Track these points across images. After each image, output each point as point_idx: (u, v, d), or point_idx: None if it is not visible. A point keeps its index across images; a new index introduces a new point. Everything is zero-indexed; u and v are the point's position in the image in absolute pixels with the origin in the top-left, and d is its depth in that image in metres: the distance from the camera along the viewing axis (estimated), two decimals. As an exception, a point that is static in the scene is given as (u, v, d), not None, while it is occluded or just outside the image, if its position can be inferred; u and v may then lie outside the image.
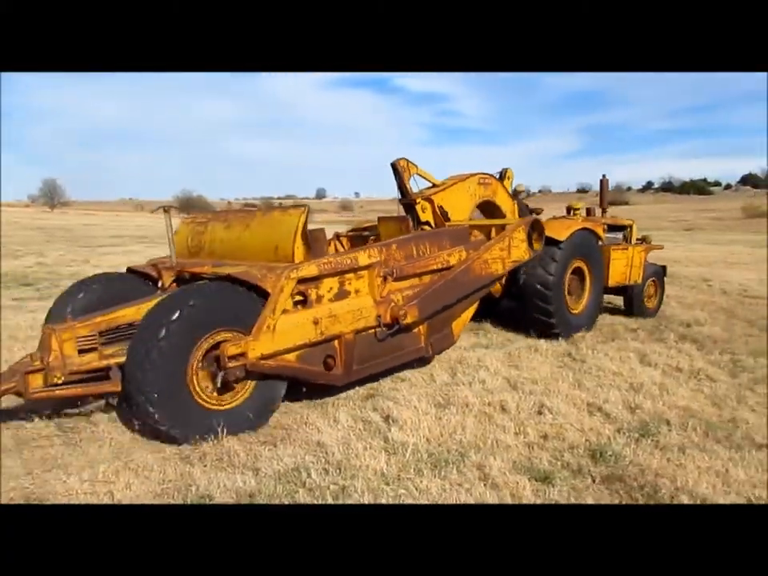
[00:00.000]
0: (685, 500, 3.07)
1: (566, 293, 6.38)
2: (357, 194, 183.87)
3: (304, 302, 4.25)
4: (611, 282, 7.17)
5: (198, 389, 3.83)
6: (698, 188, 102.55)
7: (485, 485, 3.26)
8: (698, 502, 3.05)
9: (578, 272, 6.60)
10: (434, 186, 6.46)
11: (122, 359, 3.99)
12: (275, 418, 4.27)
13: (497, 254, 5.51)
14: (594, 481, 3.37)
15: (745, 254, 18.22)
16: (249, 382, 4.03)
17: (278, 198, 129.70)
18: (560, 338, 6.30)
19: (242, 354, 3.78)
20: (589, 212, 7.77)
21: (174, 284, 5.05)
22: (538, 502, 3.13)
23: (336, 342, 4.38)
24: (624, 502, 3.14)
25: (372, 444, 3.77)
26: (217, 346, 3.83)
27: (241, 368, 3.80)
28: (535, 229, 5.88)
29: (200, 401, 3.84)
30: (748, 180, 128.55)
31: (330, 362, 4.35)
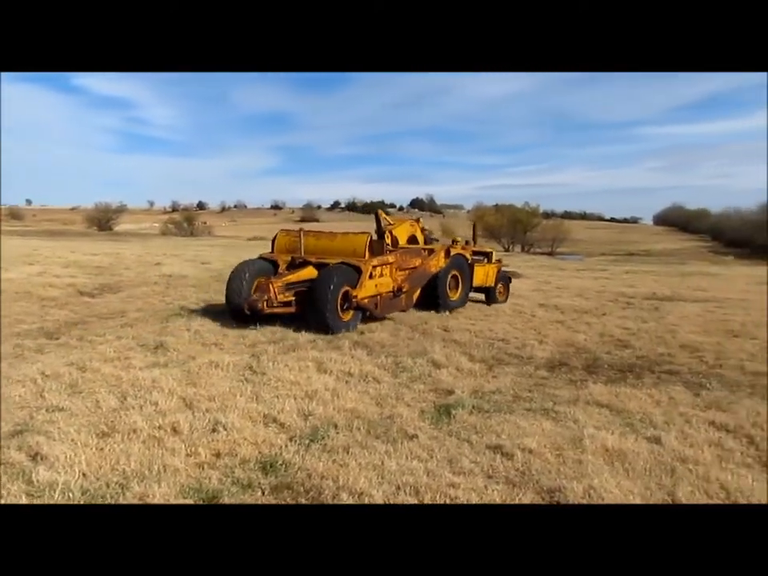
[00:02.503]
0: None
1: (447, 288, 10.61)
2: (29, 201, 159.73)
3: (371, 277, 8.51)
4: (475, 284, 11.51)
5: (339, 310, 7.94)
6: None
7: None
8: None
9: (455, 277, 10.93)
10: (390, 223, 10.78)
11: (293, 298, 8.09)
12: None
13: (433, 263, 10.30)
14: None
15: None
16: (351, 311, 8.20)
17: None
18: (442, 311, 10.18)
19: (356, 296, 8.07)
20: (468, 242, 12.21)
21: (286, 268, 8.85)
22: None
23: (378, 296, 8.77)
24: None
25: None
26: (344, 293, 7.99)
27: (355, 303, 8.07)
28: (447, 251, 10.65)
29: (339, 315, 7.98)
30: (416, 203, 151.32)
31: (375, 305, 8.74)
